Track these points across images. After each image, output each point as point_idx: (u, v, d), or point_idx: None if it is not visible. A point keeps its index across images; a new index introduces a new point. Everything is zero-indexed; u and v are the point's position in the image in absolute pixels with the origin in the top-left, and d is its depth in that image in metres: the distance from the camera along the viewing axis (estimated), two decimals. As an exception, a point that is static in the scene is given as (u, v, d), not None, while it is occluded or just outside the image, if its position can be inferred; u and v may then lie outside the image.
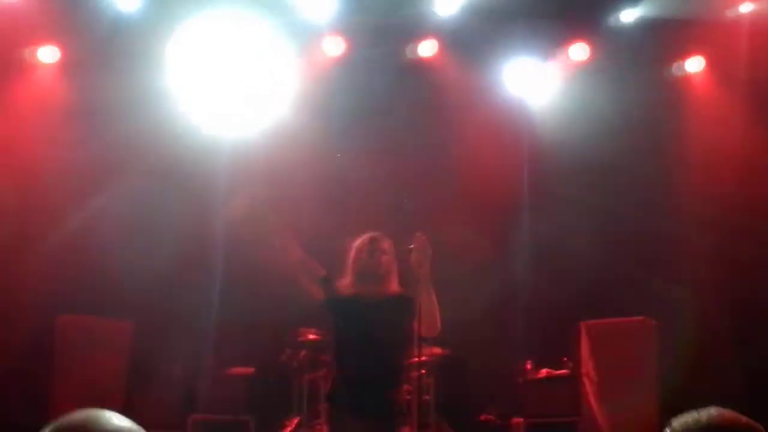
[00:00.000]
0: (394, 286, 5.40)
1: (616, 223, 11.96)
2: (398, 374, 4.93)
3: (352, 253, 5.41)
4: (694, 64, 12.18)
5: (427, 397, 9.59)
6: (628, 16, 11.59)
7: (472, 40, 11.79)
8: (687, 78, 12.31)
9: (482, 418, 10.66)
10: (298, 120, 11.57)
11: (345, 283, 5.45)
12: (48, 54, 11.38)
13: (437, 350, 10.03)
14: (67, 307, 10.92)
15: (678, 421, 2.53)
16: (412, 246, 5.01)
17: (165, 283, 11.27)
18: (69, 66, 11.55)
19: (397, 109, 11.92)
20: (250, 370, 10.75)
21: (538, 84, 12.12)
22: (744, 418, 2.59)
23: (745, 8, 11.35)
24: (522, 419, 10.40)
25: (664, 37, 11.80)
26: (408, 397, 5.29)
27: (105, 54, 11.29)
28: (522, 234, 12.11)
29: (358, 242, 5.45)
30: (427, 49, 11.90)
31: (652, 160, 11.95)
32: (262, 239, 5.62)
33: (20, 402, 10.82)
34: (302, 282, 5.58)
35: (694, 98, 12.35)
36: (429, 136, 12.13)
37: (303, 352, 10.30)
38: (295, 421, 10.27)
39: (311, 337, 10.18)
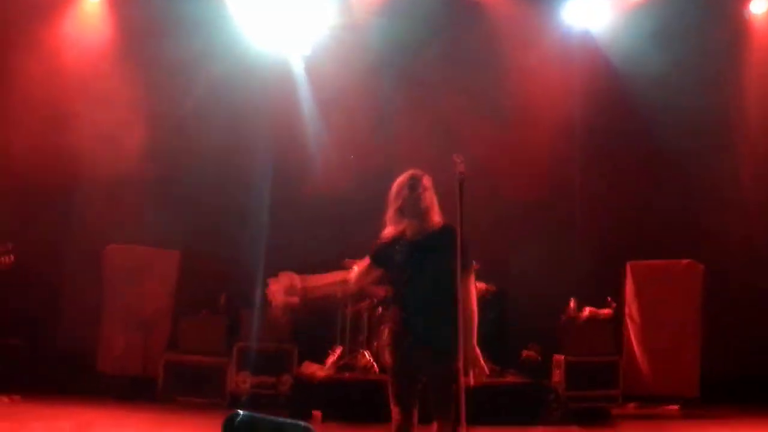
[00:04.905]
0: (437, 218, 5.38)
1: (670, 163, 11.81)
2: (453, 305, 5.03)
3: (394, 190, 5.43)
4: (759, 6, 11.88)
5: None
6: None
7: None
8: (751, 19, 12.03)
9: (523, 354, 10.69)
10: (344, 44, 11.58)
11: (388, 230, 5.49)
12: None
13: (482, 285, 10.04)
14: (115, 236, 11.10)
15: None
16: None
17: (212, 214, 11.40)
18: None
19: (450, 45, 11.81)
20: (295, 299, 10.83)
21: (600, 17, 11.93)
22: None
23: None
24: (563, 357, 10.42)
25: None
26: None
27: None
28: (573, 173, 12.00)
29: (399, 180, 5.45)
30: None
31: (711, 100, 11.71)
32: None
33: (70, 329, 11.11)
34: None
35: (756, 39, 12.07)
36: (485, 72, 11.96)
37: (347, 284, 10.36)
38: (339, 350, 10.41)
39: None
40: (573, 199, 11.95)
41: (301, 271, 10.62)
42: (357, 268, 5.69)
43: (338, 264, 10.17)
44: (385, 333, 5.61)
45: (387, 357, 5.42)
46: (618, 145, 11.94)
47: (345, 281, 5.78)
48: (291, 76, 11.67)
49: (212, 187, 11.50)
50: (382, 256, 5.53)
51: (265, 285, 5.66)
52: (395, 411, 5.29)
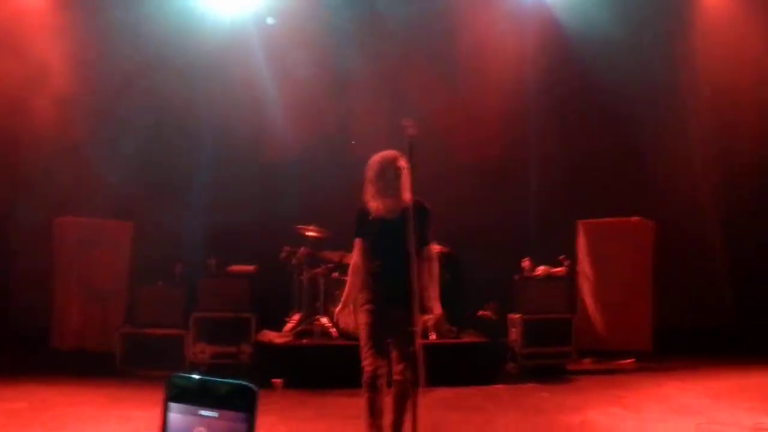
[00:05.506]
0: (408, 196, 6.02)
1: (620, 123, 11.92)
2: (419, 271, 5.87)
3: (375, 169, 6.07)
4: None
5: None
6: None
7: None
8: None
9: (479, 313, 10.78)
10: (298, 7, 11.49)
11: (372, 205, 6.13)
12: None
13: (437, 247, 10.08)
14: (65, 208, 10.95)
15: None
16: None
17: (164, 181, 11.27)
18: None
19: (404, 8, 11.76)
20: (251, 267, 10.81)
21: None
22: None
23: None
24: (518, 315, 10.53)
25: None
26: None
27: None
28: (525, 133, 12.05)
29: (379, 160, 6.08)
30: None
31: (661, 61, 11.84)
32: None
33: (21, 306, 10.94)
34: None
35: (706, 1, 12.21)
36: (439, 35, 11.93)
37: (302, 249, 10.37)
38: (296, 317, 10.42)
39: (310, 234, 10.23)
40: (525, 158, 12.02)
41: (254, 234, 10.65)
42: (355, 254, 6.31)
43: (292, 230, 10.26)
44: (362, 296, 6.23)
45: (363, 317, 6.10)
46: (569, 106, 12.01)
47: (357, 270, 6.28)
48: (245, 40, 11.51)
49: (163, 153, 11.36)
50: (365, 231, 6.20)
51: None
52: (369, 362, 5.93)
